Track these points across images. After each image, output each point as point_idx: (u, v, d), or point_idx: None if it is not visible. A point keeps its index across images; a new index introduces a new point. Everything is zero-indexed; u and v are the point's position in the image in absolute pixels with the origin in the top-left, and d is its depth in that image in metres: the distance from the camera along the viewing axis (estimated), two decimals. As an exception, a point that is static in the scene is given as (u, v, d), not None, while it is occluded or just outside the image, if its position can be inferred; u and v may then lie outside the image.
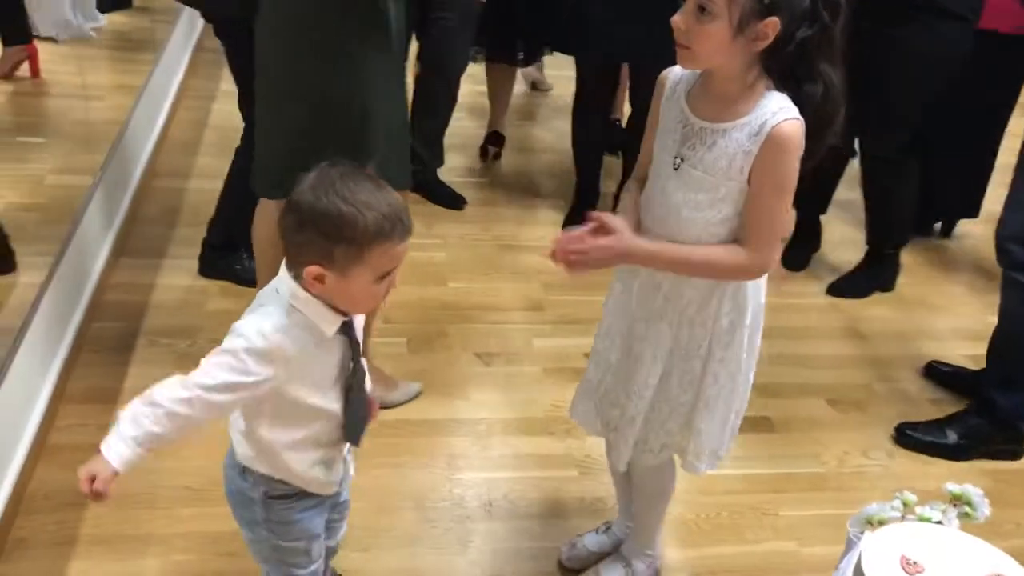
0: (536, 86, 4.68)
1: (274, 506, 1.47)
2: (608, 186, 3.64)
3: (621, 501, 2.04)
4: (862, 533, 1.27)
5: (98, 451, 1.32)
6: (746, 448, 2.42)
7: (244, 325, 1.32)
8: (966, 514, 1.29)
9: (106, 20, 3.37)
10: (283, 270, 1.35)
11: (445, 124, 3.56)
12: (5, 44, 2.48)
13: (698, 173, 1.49)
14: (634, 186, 1.66)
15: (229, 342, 1.30)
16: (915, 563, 1.23)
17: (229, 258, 2.84)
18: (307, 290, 1.32)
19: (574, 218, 3.42)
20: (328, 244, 1.27)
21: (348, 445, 1.53)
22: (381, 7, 1.97)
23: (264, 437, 1.41)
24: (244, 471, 1.46)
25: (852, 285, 3.23)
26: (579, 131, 3.50)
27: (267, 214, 2.21)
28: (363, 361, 1.46)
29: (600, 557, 2.02)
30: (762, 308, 1.67)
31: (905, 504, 1.28)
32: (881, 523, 1.25)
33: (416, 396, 2.47)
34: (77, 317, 2.52)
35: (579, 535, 2.07)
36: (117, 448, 1.31)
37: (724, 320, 1.61)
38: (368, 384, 1.48)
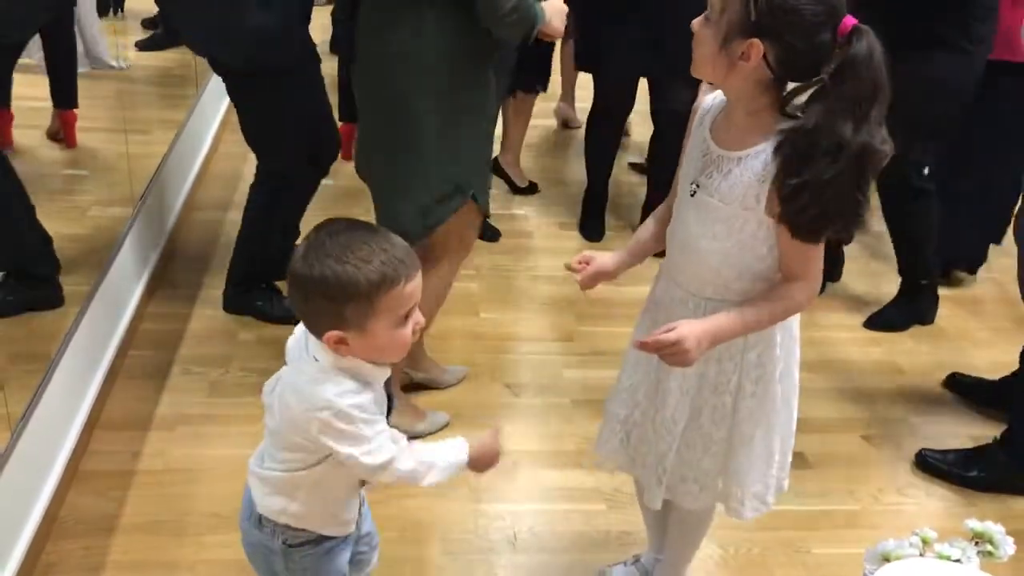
0: (568, 124, 4.70)
1: (294, 555, 1.45)
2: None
3: (651, 534, 2.01)
4: (876, 569, 1.24)
5: None
6: (778, 483, 2.38)
7: (326, 397, 1.29)
8: (988, 553, 1.25)
9: (143, 57, 3.48)
10: (314, 339, 1.33)
11: None
12: (55, 106, 2.56)
13: (714, 202, 1.48)
14: (653, 218, 1.67)
15: (330, 418, 1.28)
16: (926, 602, 1.20)
17: (250, 295, 2.87)
18: (343, 356, 1.31)
19: (587, 224, 3.66)
20: (336, 307, 1.25)
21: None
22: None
23: (303, 487, 1.40)
24: (260, 521, 1.45)
25: (889, 318, 3.18)
26: (593, 143, 3.64)
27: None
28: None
29: None
30: (796, 341, 1.64)
31: (924, 541, 1.24)
32: (898, 559, 1.22)
33: (444, 427, 2.47)
34: (113, 344, 2.57)
35: (608, 566, 2.04)
36: None
37: (751, 354, 1.59)
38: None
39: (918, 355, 3.03)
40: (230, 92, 2.69)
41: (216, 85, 4.15)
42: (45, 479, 2.08)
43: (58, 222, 2.57)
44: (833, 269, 3.32)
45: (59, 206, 2.67)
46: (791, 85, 1.43)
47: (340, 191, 3.49)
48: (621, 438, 1.76)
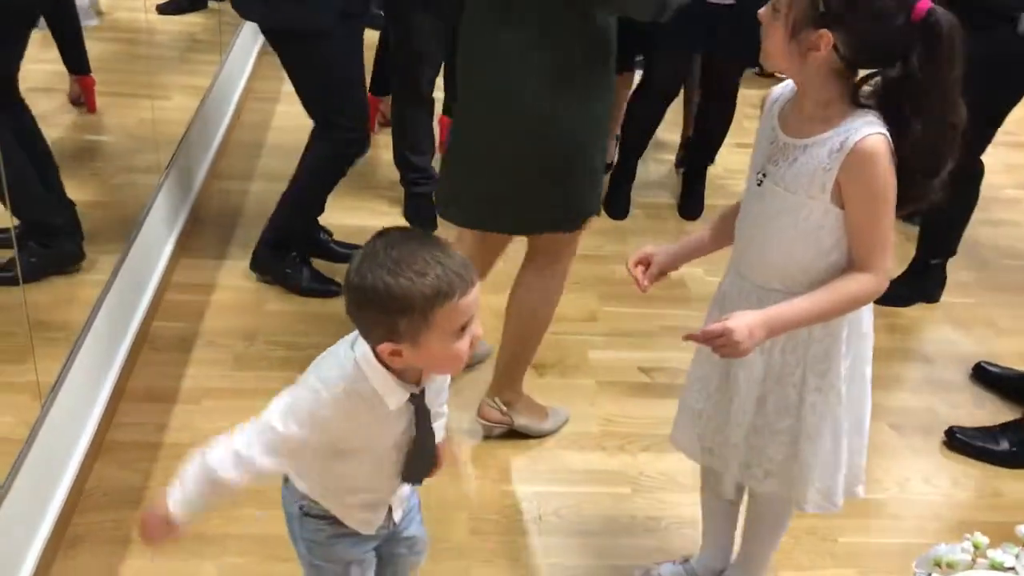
0: None
1: (308, 523, 1.45)
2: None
3: (709, 538, 1.96)
4: (929, 575, 1.22)
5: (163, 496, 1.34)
6: (804, 471, 2.37)
7: (304, 384, 1.29)
8: (1043, 559, 1.24)
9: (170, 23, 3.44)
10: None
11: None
12: (72, 72, 2.55)
13: (779, 190, 1.48)
14: (719, 215, 1.66)
15: (282, 403, 1.29)
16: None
17: (281, 260, 2.86)
18: (383, 363, 1.28)
19: (613, 201, 3.58)
20: (390, 320, 1.22)
21: (406, 488, 1.50)
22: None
23: (313, 473, 1.40)
24: (286, 480, 1.45)
25: (896, 293, 3.17)
26: (635, 118, 3.58)
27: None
28: (436, 425, 1.42)
29: None
30: (865, 337, 1.62)
31: (976, 546, 1.23)
32: (950, 566, 1.21)
33: (565, 422, 2.45)
34: (139, 316, 2.56)
35: (656, 563, 2.01)
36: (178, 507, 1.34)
37: (816, 347, 1.57)
38: (439, 436, 1.44)
39: (945, 344, 3.01)
40: (282, 57, 2.68)
41: (240, 53, 4.12)
42: (73, 450, 2.08)
43: (83, 189, 2.56)
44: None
45: (84, 172, 2.65)
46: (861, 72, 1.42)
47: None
48: (699, 432, 1.74)
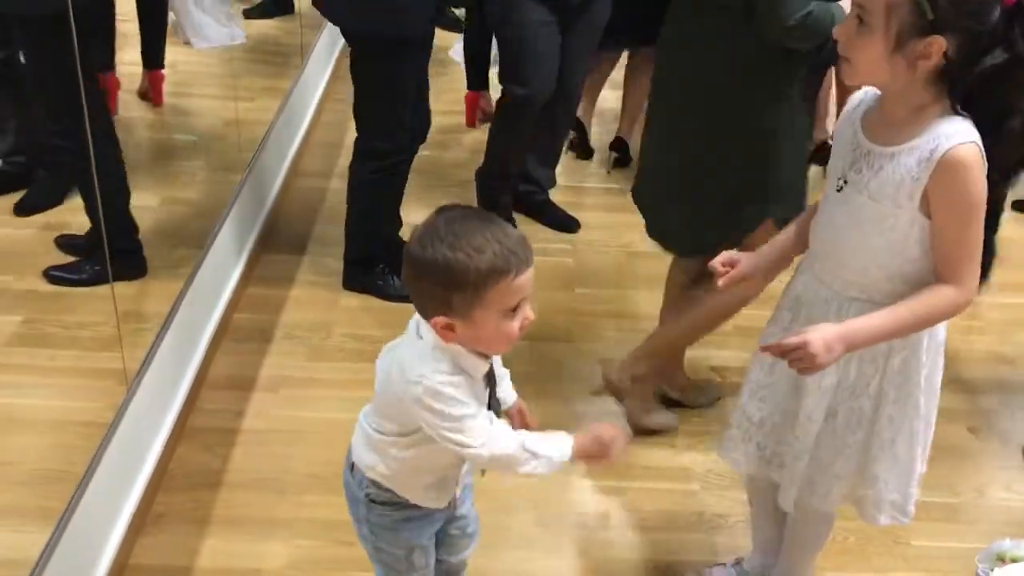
0: None
1: (375, 509, 1.49)
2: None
3: (759, 537, 1.95)
4: (991, 569, 1.20)
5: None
6: (877, 472, 2.33)
7: (421, 373, 1.31)
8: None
9: (253, 27, 3.55)
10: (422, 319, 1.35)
11: (563, 143, 3.49)
12: (145, 67, 2.61)
13: (863, 199, 1.45)
14: (807, 214, 1.64)
15: (423, 393, 1.30)
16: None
17: (370, 273, 2.90)
18: (449, 342, 1.32)
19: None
20: (445, 293, 1.26)
21: (467, 465, 1.53)
22: None
23: (393, 453, 1.43)
24: (353, 468, 1.49)
25: None
26: None
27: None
28: (503, 387, 1.48)
29: None
30: (940, 346, 1.59)
31: (1044, 542, 1.20)
32: (1014, 560, 1.18)
33: (669, 429, 2.44)
34: (220, 307, 2.65)
35: (708, 568, 2.00)
36: None
37: (896, 359, 1.53)
38: (511, 398, 1.51)
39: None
40: (354, 62, 2.71)
41: (320, 55, 4.23)
42: (157, 433, 2.17)
43: (168, 187, 2.67)
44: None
45: (170, 170, 2.76)
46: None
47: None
48: (759, 441, 1.70)
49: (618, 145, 3.87)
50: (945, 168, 1.36)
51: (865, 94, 1.52)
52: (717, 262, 1.65)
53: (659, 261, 3.19)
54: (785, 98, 2.02)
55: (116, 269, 2.00)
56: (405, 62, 2.64)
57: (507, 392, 1.53)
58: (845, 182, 1.47)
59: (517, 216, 3.34)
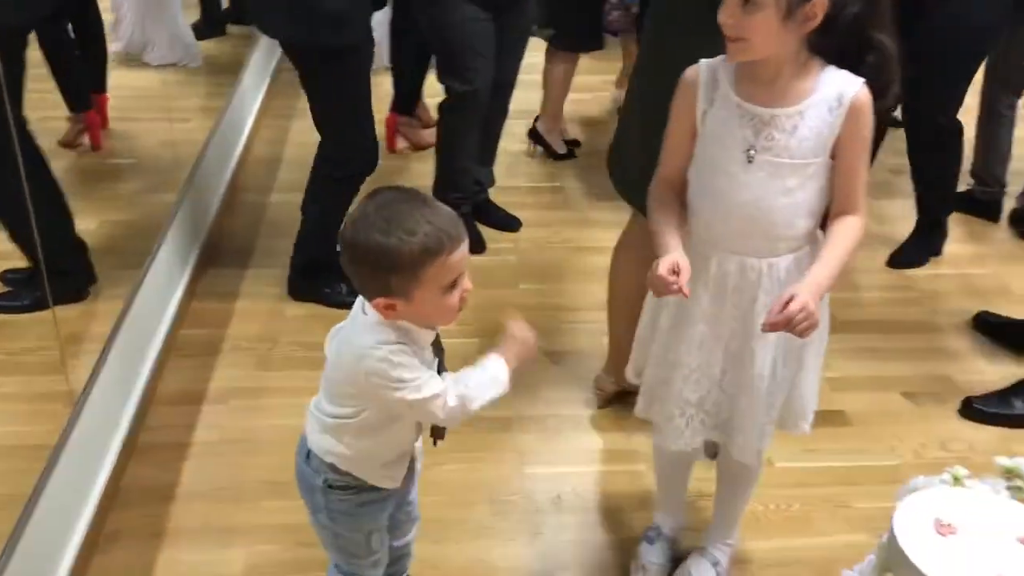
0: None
1: (333, 495, 1.51)
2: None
3: (674, 501, 2.04)
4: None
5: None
6: (819, 441, 2.39)
7: (369, 345, 1.35)
8: (1019, 487, 1.28)
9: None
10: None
11: (498, 140, 3.47)
12: (71, 110, 2.52)
13: (783, 160, 1.52)
14: (670, 197, 1.65)
15: (374, 364, 1.34)
16: (948, 524, 1.24)
17: (316, 281, 2.91)
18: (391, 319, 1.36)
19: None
20: (383, 276, 1.30)
21: (419, 443, 1.58)
22: None
23: (348, 438, 1.46)
24: (308, 456, 1.52)
25: (910, 256, 3.30)
26: None
27: None
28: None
29: (671, 564, 2.02)
30: None
31: (955, 478, 1.27)
32: (924, 493, 1.25)
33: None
34: (166, 323, 2.65)
35: (642, 563, 2.01)
36: None
37: None
38: None
39: (958, 315, 3.02)
40: (302, 75, 2.71)
41: (255, 72, 4.24)
42: (106, 452, 2.17)
43: (106, 209, 2.66)
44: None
45: (106, 192, 2.75)
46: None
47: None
48: (702, 419, 1.75)
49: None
50: (854, 111, 1.48)
51: (708, 74, 1.56)
52: (666, 273, 1.55)
53: (600, 255, 3.26)
54: None
55: (57, 291, 1.99)
56: (355, 68, 2.65)
57: None
58: (755, 151, 1.52)
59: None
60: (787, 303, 1.44)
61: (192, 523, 2.10)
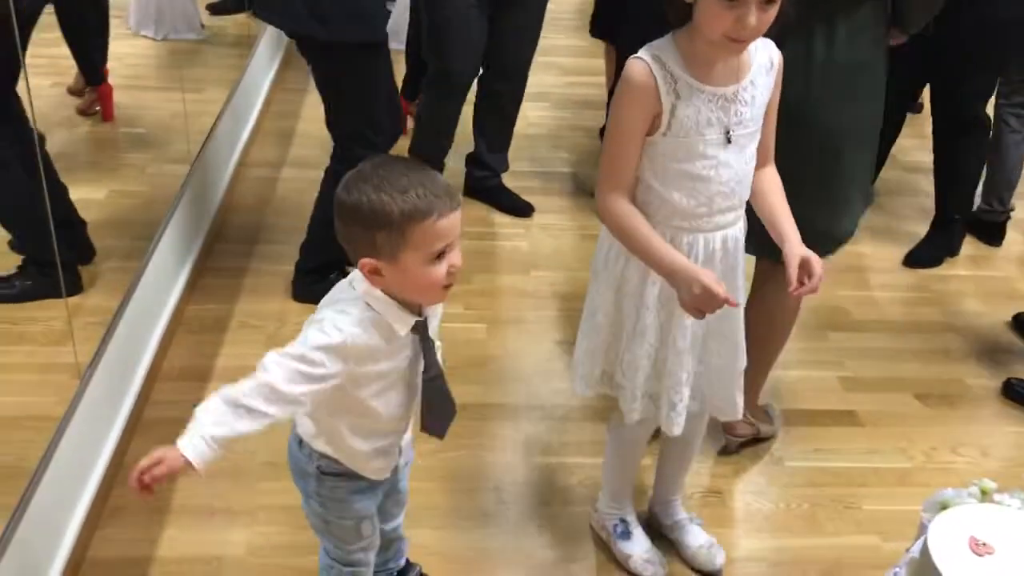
0: None
1: (326, 482, 1.50)
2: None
3: (630, 483, 2.05)
4: (933, 517, 1.24)
5: (174, 447, 1.34)
6: (830, 441, 2.39)
7: (321, 320, 1.34)
8: (1048, 503, 1.25)
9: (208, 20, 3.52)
10: (356, 271, 1.37)
11: (513, 126, 3.45)
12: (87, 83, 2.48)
13: (750, 130, 1.58)
14: (632, 207, 1.62)
15: (304, 337, 1.33)
16: (985, 544, 1.21)
17: (324, 282, 2.83)
18: (377, 287, 1.34)
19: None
20: (369, 233, 1.29)
21: (408, 434, 1.57)
22: None
23: (326, 420, 1.45)
24: (301, 443, 1.51)
25: (925, 255, 3.26)
26: None
27: None
28: (439, 360, 1.48)
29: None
30: None
31: (983, 492, 1.24)
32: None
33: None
34: (173, 298, 2.63)
35: (639, 559, 1.98)
36: (198, 446, 1.34)
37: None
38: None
39: (973, 316, 2.99)
40: (318, 72, 2.62)
41: (268, 46, 4.20)
42: (111, 426, 2.15)
43: (116, 180, 2.64)
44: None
45: (117, 164, 2.73)
46: None
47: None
48: (642, 392, 1.77)
49: None
50: (778, 71, 1.61)
51: (657, 68, 1.51)
52: (716, 285, 1.52)
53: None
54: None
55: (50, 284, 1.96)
56: (378, 63, 2.58)
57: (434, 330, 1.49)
58: (730, 130, 1.56)
59: (472, 201, 3.36)
60: (802, 266, 1.56)
61: (194, 502, 2.08)
